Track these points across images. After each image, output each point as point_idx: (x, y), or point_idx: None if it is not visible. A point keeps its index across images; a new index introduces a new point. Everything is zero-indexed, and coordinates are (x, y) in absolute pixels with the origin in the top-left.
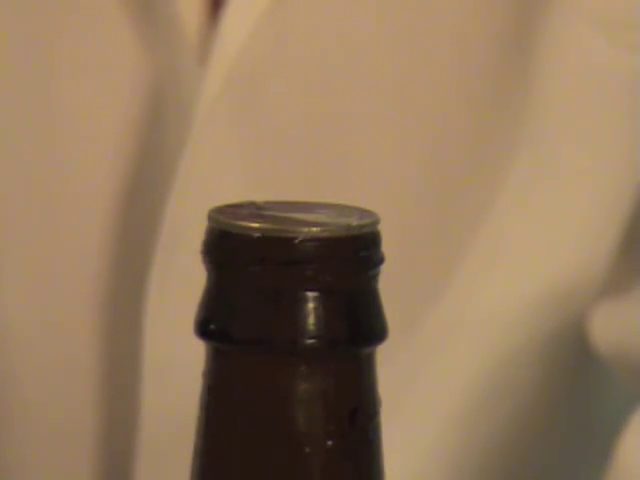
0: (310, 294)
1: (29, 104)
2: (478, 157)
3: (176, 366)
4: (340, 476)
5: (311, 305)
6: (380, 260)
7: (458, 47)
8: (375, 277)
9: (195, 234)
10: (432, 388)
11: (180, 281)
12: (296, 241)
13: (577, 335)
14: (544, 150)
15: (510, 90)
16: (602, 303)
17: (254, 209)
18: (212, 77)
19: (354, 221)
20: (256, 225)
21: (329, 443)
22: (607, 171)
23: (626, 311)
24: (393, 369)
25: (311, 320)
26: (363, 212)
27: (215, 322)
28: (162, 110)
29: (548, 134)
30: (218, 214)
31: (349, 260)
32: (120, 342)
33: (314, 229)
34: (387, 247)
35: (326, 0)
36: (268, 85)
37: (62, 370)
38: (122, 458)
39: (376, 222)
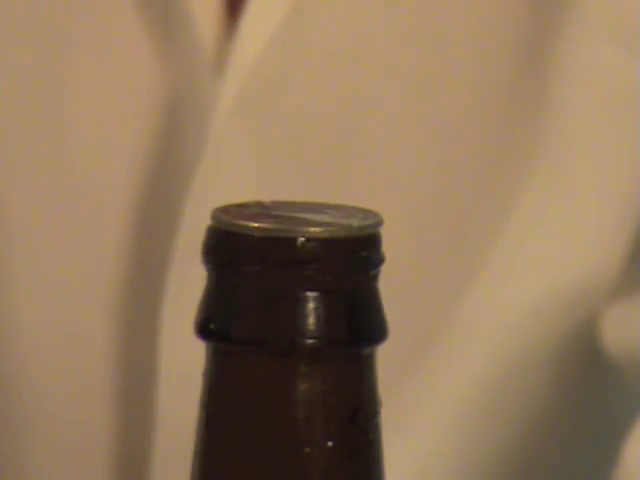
0: (310, 294)
1: (45, 115)
2: (495, 169)
3: (192, 372)
4: (340, 476)
5: (311, 305)
6: (380, 260)
7: (474, 62)
8: (375, 277)
9: None
10: (444, 390)
11: (196, 288)
12: (296, 241)
13: (588, 337)
14: (559, 159)
15: (526, 102)
16: (613, 306)
17: (260, 209)
18: (229, 86)
19: (355, 222)
20: (256, 225)
21: (329, 443)
22: (619, 181)
23: (636, 312)
24: (412, 376)
25: (311, 320)
26: (367, 213)
27: (215, 322)
28: (179, 119)
29: (563, 145)
30: (221, 213)
31: (349, 260)
32: (137, 349)
33: (314, 229)
34: (404, 255)
35: (344, 9)
36: (285, 94)
37: (79, 378)
38: (138, 463)
39: (378, 223)
